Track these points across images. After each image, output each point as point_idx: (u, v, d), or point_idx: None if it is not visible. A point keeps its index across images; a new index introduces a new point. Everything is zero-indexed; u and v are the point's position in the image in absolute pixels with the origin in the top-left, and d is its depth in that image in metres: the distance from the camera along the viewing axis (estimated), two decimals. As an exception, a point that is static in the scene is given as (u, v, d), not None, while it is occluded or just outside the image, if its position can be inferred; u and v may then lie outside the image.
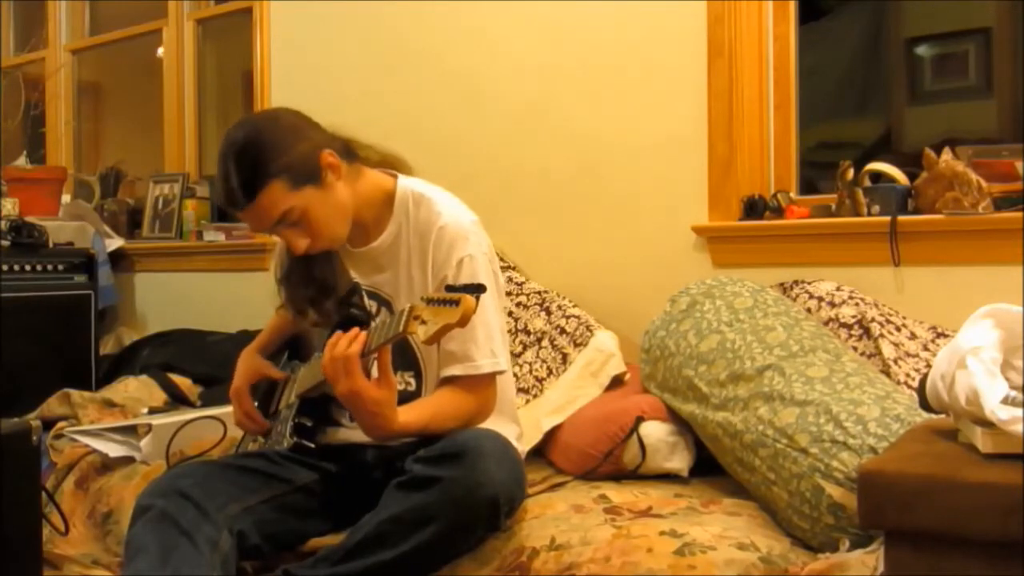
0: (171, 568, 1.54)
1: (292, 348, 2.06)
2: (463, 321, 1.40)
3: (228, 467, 1.78)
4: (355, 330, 1.60)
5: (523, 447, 1.95)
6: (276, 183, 1.68)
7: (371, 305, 1.86)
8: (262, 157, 1.68)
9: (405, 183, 1.85)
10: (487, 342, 1.73)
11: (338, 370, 1.57)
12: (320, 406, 1.88)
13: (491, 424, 1.80)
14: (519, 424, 1.95)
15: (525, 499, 1.76)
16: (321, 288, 1.86)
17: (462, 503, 1.53)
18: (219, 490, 1.68)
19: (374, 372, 1.61)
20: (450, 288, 1.46)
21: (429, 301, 1.43)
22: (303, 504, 1.78)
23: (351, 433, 1.84)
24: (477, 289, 1.44)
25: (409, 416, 1.66)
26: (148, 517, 1.61)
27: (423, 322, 1.43)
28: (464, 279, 1.71)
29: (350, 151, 1.83)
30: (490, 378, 1.76)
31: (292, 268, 1.88)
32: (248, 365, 2.00)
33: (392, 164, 1.91)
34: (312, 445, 1.85)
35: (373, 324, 1.62)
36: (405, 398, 1.79)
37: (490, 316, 1.75)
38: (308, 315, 1.89)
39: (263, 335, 2.09)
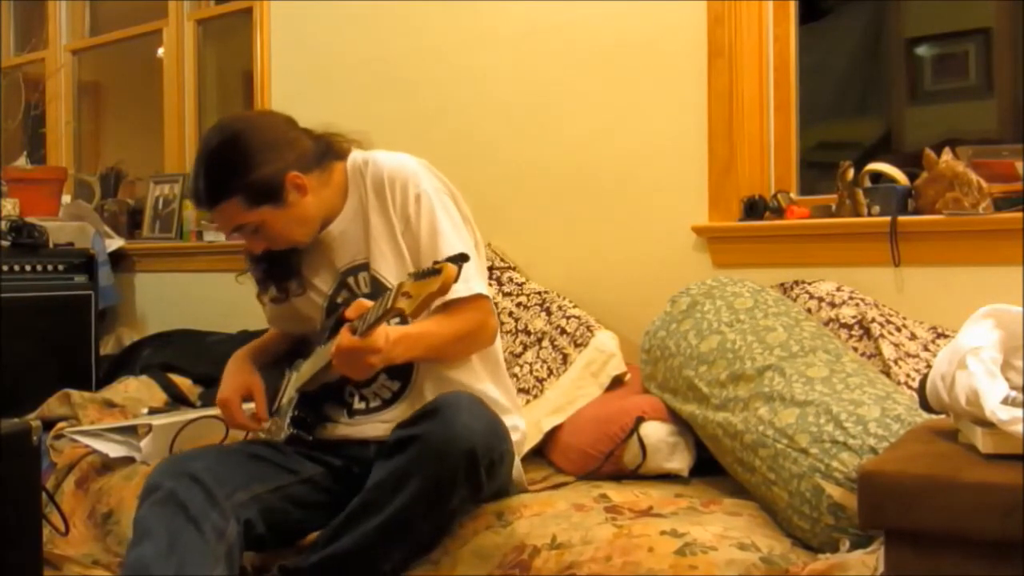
0: (177, 556, 1.55)
1: (295, 354, 2.06)
2: (443, 289, 1.45)
3: (238, 453, 1.79)
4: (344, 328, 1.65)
5: (521, 428, 1.97)
6: (233, 200, 1.78)
7: (363, 279, 1.88)
8: (225, 172, 1.78)
9: (354, 155, 1.92)
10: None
11: (344, 357, 1.63)
12: (318, 403, 1.90)
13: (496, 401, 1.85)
14: (513, 396, 1.99)
15: (510, 460, 1.75)
16: (283, 267, 1.93)
17: (439, 457, 1.55)
18: (229, 476, 1.69)
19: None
20: (436, 262, 1.51)
21: (416, 276, 1.48)
22: (307, 496, 1.79)
23: (349, 429, 1.86)
24: (460, 259, 1.48)
25: (402, 330, 1.70)
26: (156, 498, 1.63)
27: (408, 296, 1.47)
28: (424, 214, 1.80)
29: (329, 152, 1.89)
30: (470, 302, 1.78)
31: None
32: (239, 379, 1.98)
33: (361, 146, 1.96)
34: (309, 437, 1.87)
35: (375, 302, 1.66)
36: (391, 399, 1.85)
37: (456, 246, 1.77)
38: (269, 290, 1.97)
39: (261, 339, 2.11)
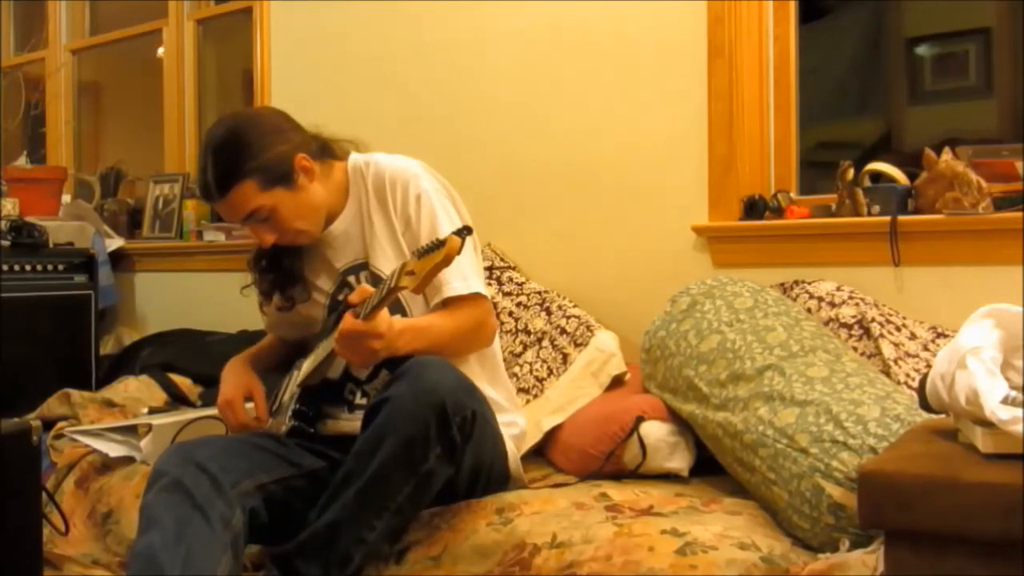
0: (184, 545, 1.55)
1: (292, 360, 2.06)
2: (448, 259, 1.47)
3: (243, 443, 1.80)
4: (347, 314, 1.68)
5: (520, 425, 1.99)
6: (247, 182, 1.80)
7: (363, 277, 1.90)
8: (237, 156, 1.79)
9: (354, 156, 1.95)
10: (456, 269, 1.75)
11: (346, 341, 1.65)
12: (319, 399, 1.90)
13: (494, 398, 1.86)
14: (513, 396, 2.01)
15: (486, 427, 1.74)
16: (287, 275, 1.96)
17: (410, 414, 1.57)
18: (234, 465, 1.69)
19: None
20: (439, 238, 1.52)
21: (419, 253, 1.49)
22: (308, 489, 1.79)
23: (350, 424, 1.87)
24: (463, 231, 1.49)
25: (406, 322, 1.74)
26: (162, 485, 1.63)
27: (412, 274, 1.48)
28: (425, 213, 1.84)
29: (326, 150, 1.93)
30: (469, 300, 1.81)
31: (261, 253, 1.97)
32: (239, 380, 1.99)
33: (357, 148, 1.99)
34: (310, 429, 1.88)
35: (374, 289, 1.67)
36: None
37: None
38: (273, 299, 1.99)
39: (258, 346, 2.12)
